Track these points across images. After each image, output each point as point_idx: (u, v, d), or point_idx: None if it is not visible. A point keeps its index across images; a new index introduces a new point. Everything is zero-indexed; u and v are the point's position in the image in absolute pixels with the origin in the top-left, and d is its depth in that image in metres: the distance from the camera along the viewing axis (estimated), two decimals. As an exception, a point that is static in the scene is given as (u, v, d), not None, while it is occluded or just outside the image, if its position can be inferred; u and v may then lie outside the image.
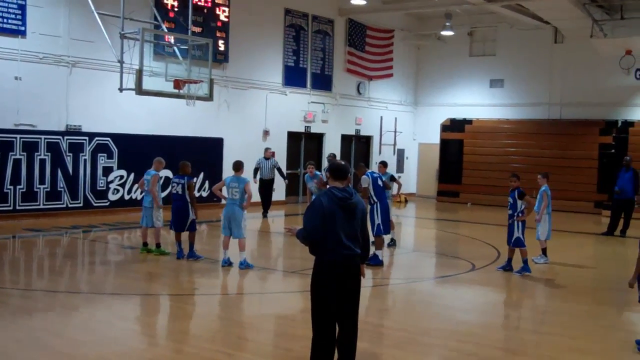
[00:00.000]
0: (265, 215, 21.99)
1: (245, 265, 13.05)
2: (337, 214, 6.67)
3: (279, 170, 22.64)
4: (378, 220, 14.15)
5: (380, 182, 14.43)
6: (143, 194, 14.77)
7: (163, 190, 21.43)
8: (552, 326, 10.13)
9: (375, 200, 14.22)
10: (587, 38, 25.41)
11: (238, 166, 13.46)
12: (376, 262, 13.73)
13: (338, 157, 27.92)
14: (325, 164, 27.10)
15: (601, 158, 27.33)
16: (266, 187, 22.11)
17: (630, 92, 27.41)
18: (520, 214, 13.30)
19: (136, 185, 20.47)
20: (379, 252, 13.92)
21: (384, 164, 16.18)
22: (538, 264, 14.59)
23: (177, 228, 13.93)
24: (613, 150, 27.10)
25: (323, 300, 6.76)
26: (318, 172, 18.45)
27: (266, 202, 22.11)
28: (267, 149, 22.52)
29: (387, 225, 14.62)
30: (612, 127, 27.58)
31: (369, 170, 14.76)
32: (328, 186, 6.86)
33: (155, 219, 14.17)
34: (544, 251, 14.85)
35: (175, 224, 13.95)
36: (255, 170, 21.87)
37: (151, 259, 13.93)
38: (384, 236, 14.63)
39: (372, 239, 14.21)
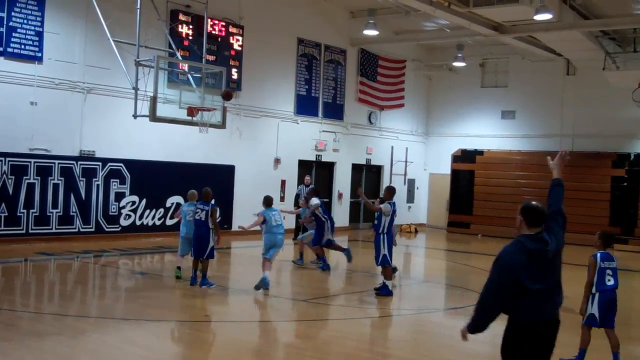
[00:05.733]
0: (295, 239, 22.69)
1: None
2: (531, 271, 5.35)
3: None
4: (384, 250, 13.69)
5: (395, 215, 13.96)
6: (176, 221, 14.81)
7: (174, 216, 21.63)
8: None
9: (386, 231, 13.81)
10: (599, 70, 25.46)
11: (269, 201, 14.13)
12: (386, 292, 13.67)
13: (342, 187, 28.00)
14: (336, 193, 27.10)
15: (613, 191, 27.25)
16: None
17: (643, 125, 27.40)
18: None
19: (147, 211, 20.79)
20: (388, 282, 13.79)
21: (390, 191, 14.85)
22: None
23: (196, 255, 13.90)
24: (625, 183, 27.05)
25: None
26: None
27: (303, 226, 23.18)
28: (306, 177, 23.17)
29: (391, 255, 14.06)
30: (624, 159, 27.53)
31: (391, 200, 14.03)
32: (519, 233, 5.54)
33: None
34: None
35: (196, 250, 13.91)
36: (297, 197, 22.61)
37: (161, 284, 13.93)
38: None
39: (379, 269, 14.22)
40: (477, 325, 5.50)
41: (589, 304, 9.06)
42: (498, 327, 5.54)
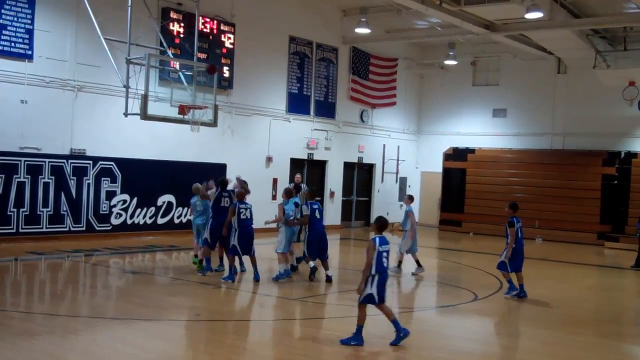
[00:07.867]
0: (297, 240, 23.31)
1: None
2: None
3: None
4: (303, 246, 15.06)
5: (317, 214, 15.03)
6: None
7: (165, 215, 21.59)
8: (554, 357, 10.07)
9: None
10: (590, 69, 25.54)
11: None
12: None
13: (334, 185, 28.01)
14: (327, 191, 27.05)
15: (604, 189, 27.33)
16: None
17: (633, 123, 27.45)
18: None
19: (138, 210, 20.84)
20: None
21: (311, 192, 16.09)
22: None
23: (244, 251, 14.69)
24: (616, 182, 27.12)
25: None
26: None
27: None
28: (296, 176, 22.90)
29: (315, 250, 14.96)
30: (615, 158, 27.62)
31: (313, 200, 15.33)
32: None
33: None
34: (400, 264, 17.02)
35: (245, 247, 14.64)
36: None
37: (152, 283, 13.87)
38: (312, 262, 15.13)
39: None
40: None
41: (368, 284, 9.74)
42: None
